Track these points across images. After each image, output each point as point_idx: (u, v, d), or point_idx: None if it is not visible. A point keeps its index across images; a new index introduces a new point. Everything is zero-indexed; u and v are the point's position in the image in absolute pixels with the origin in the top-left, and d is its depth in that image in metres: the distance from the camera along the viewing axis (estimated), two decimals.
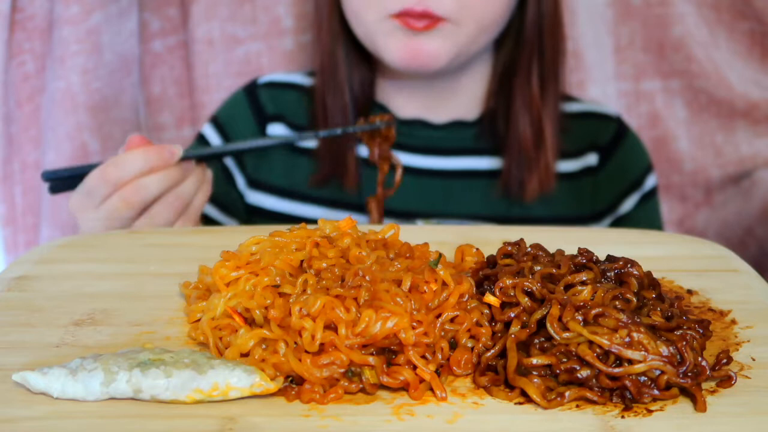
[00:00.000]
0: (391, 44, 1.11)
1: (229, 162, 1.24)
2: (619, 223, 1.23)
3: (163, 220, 0.95)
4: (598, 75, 1.43)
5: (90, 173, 0.93)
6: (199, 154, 0.98)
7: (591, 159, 1.24)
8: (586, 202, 1.22)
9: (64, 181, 0.97)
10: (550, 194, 1.19)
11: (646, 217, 1.25)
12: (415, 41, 1.10)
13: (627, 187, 1.24)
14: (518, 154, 1.18)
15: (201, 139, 1.26)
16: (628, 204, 1.24)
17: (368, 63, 1.22)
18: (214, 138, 1.25)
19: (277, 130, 1.25)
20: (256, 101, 1.26)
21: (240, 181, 1.25)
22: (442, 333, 0.67)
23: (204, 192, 0.99)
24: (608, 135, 1.25)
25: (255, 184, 1.24)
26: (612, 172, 1.24)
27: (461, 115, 1.23)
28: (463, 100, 1.23)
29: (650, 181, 1.26)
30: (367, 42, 1.15)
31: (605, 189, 1.24)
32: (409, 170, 1.20)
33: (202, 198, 0.99)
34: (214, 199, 1.20)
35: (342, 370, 0.63)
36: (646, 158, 1.27)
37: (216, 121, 1.26)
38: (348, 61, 1.20)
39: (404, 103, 1.23)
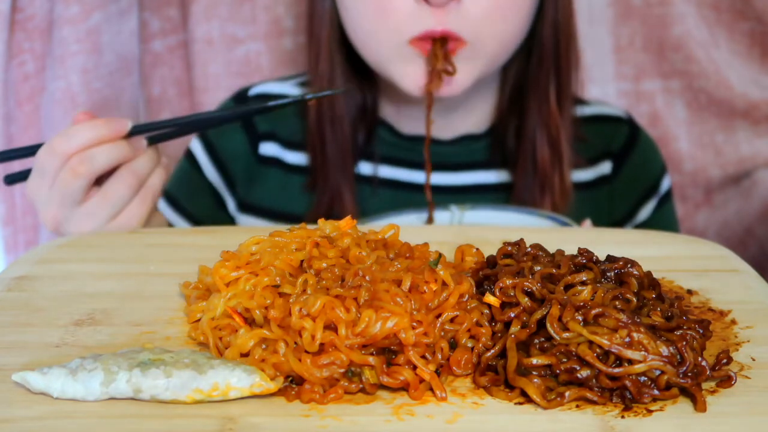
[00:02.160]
0: (409, 73, 1.06)
1: (219, 185, 1.21)
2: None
3: (117, 196, 0.93)
4: (598, 75, 1.43)
5: (39, 150, 0.91)
6: (152, 127, 0.95)
7: (605, 167, 1.21)
8: (603, 212, 1.19)
9: (20, 173, 0.95)
10: (563, 211, 1.15)
11: (663, 221, 1.22)
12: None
13: (644, 194, 1.22)
14: (532, 173, 1.15)
15: (189, 156, 1.22)
16: (646, 211, 1.21)
17: (369, 81, 1.17)
18: (202, 156, 1.21)
19: (269, 149, 1.20)
20: (246, 116, 1.20)
21: (231, 204, 1.22)
22: (442, 333, 0.67)
23: (159, 174, 0.97)
24: (620, 140, 1.22)
25: (246, 207, 1.21)
26: (627, 178, 1.21)
27: (469, 130, 1.20)
28: (471, 116, 1.19)
29: (665, 184, 1.23)
30: (380, 69, 1.10)
31: (622, 197, 1.21)
32: (415, 187, 1.18)
33: (158, 180, 0.97)
34: (202, 225, 1.17)
35: (342, 370, 0.63)
36: (660, 159, 1.24)
37: (204, 137, 1.21)
38: (348, 89, 1.15)
39: (409, 121, 1.19)
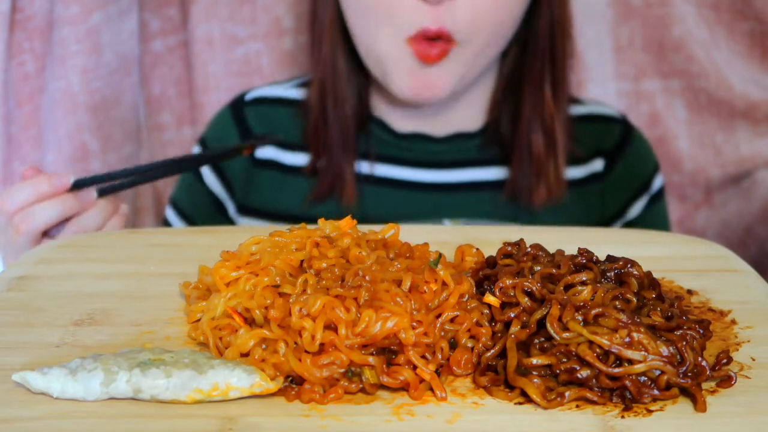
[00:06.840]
0: (401, 75, 1.07)
1: (220, 191, 1.21)
2: (628, 227, 1.20)
3: None
4: (598, 75, 1.43)
5: None
6: (99, 179, 0.96)
7: (597, 165, 1.21)
8: (594, 210, 1.20)
9: None
10: (557, 203, 1.16)
11: (654, 219, 1.22)
12: (426, 74, 1.06)
13: (635, 191, 1.22)
14: (528, 162, 1.15)
15: None
16: (637, 208, 1.22)
17: (364, 75, 1.17)
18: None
19: (266, 152, 1.20)
20: (243, 122, 1.21)
21: (231, 208, 1.22)
22: (442, 333, 0.67)
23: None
24: (614, 139, 1.22)
25: (245, 210, 1.21)
26: (619, 176, 1.22)
27: (463, 127, 1.20)
28: (466, 113, 1.19)
29: (657, 182, 1.23)
30: (377, 69, 1.11)
31: (613, 194, 1.21)
32: (410, 185, 1.18)
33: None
34: None
35: (342, 370, 0.64)
36: (653, 159, 1.25)
37: (204, 145, 1.23)
38: (348, 73, 1.16)
39: (402, 117, 1.19)
